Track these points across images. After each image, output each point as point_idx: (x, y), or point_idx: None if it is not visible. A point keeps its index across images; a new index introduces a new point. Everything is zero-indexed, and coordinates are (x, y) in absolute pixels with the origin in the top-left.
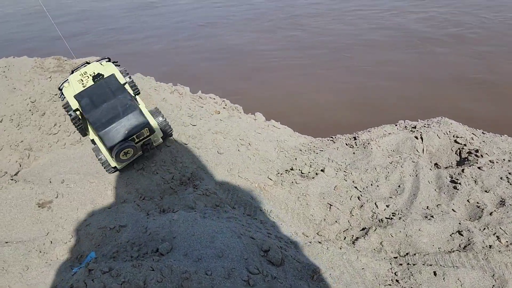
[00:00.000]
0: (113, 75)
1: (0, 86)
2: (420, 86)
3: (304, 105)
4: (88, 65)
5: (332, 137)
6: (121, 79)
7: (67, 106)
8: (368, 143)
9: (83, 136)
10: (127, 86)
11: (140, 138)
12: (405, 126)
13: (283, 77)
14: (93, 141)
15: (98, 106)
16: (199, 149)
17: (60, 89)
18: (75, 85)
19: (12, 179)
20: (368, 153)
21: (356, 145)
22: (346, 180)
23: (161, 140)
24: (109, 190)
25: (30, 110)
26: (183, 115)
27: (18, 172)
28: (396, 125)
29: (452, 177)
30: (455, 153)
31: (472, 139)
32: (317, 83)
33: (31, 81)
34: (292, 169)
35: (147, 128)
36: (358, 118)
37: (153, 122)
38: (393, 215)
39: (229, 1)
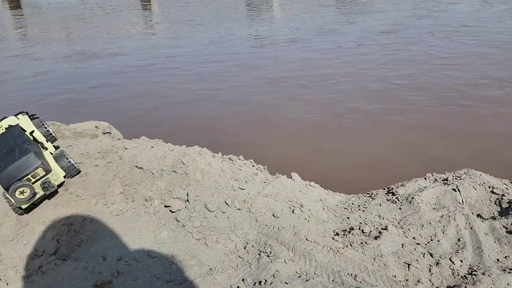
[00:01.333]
0: (17, 125)
1: None
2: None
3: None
4: (5, 119)
5: (368, 193)
6: (28, 129)
7: None
8: (412, 198)
9: None
10: (36, 134)
11: (36, 178)
12: (435, 179)
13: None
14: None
15: None
16: (254, 213)
17: None
18: None
19: (62, 259)
20: (416, 208)
21: (398, 200)
22: (407, 237)
23: (62, 178)
24: (174, 264)
25: None
26: (229, 179)
27: (57, 250)
28: (425, 178)
29: (506, 228)
30: (495, 204)
31: (507, 188)
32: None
33: None
34: (352, 228)
35: (41, 168)
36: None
37: (52, 164)
38: (473, 271)
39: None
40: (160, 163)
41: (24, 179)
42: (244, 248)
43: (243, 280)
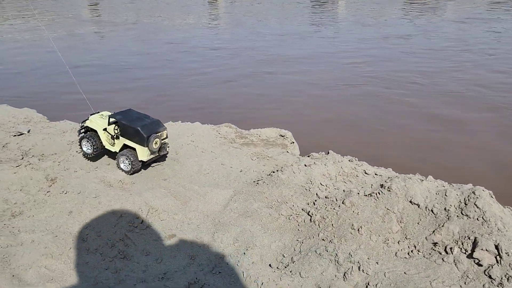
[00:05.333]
0: (130, 109)
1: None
2: None
3: None
4: (101, 112)
5: None
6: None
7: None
8: None
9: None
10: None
11: (163, 138)
12: None
13: None
14: (125, 145)
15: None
16: None
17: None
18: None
19: None
20: None
21: None
22: None
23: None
24: None
25: None
26: None
27: None
28: None
29: None
30: None
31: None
32: None
33: None
34: None
35: (166, 131)
36: None
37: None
38: None
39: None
40: (440, 201)
41: (157, 133)
42: None
43: None
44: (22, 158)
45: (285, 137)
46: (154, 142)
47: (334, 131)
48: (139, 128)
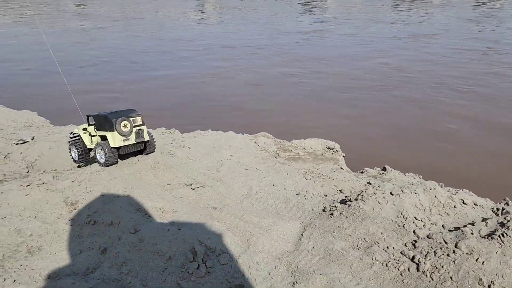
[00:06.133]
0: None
1: None
2: None
3: None
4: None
5: None
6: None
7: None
8: None
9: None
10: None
11: (136, 124)
12: None
13: None
14: (103, 137)
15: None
16: None
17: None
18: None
19: None
20: None
21: None
22: None
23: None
24: None
25: None
26: None
27: None
28: None
29: None
30: None
31: None
32: None
33: None
34: None
35: (140, 117)
36: None
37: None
38: None
39: None
40: None
41: (126, 117)
42: None
43: None
44: (28, 171)
45: (334, 150)
46: (123, 125)
47: (380, 142)
48: (107, 114)
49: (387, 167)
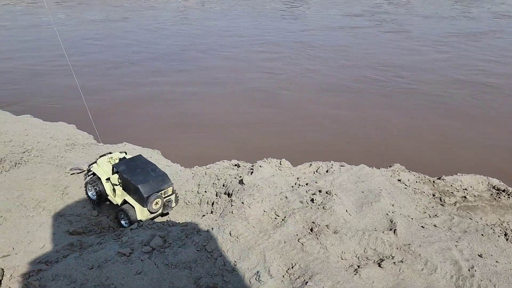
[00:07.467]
0: (140, 155)
1: None
2: None
3: None
4: (113, 153)
5: None
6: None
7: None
8: None
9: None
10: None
11: (167, 195)
12: None
13: None
14: (125, 200)
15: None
16: None
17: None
18: (104, 165)
19: None
20: None
21: None
22: None
23: (174, 204)
24: None
25: None
26: None
27: None
28: None
29: None
30: None
31: None
32: None
33: None
34: None
35: (171, 188)
36: None
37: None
38: None
39: None
40: None
41: (159, 193)
42: None
43: None
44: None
45: (500, 190)
46: (155, 202)
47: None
48: (139, 187)
49: None
